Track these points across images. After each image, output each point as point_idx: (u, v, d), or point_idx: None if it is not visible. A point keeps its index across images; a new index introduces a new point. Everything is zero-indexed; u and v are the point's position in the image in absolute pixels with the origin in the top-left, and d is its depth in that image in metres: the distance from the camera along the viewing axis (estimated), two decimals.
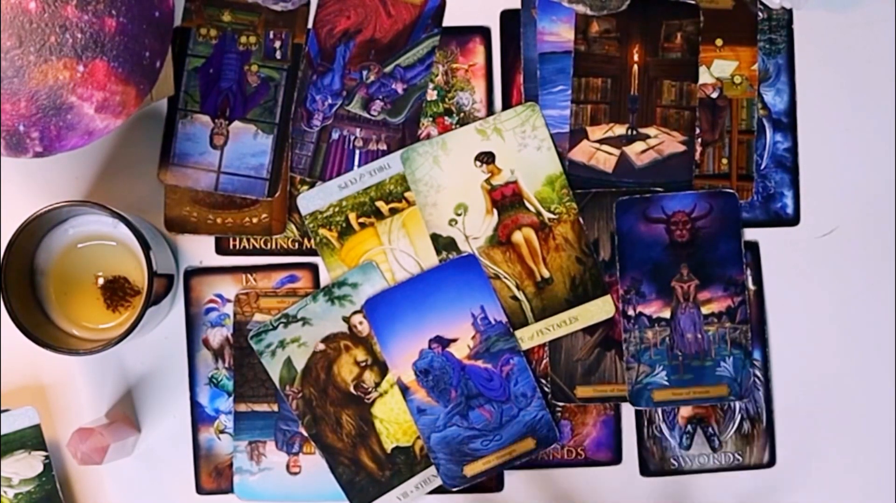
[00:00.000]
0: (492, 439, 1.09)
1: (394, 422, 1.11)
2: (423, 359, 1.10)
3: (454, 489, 1.11)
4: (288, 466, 1.12)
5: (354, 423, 1.11)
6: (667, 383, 1.11)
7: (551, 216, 1.12)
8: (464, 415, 1.10)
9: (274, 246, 1.13)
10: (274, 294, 1.12)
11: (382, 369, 1.11)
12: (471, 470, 1.10)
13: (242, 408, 1.12)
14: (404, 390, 1.11)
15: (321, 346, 1.11)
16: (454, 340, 1.10)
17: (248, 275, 1.13)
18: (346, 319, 1.11)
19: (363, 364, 1.11)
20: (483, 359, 1.11)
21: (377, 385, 1.11)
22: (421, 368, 1.10)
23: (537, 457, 1.12)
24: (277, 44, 1.13)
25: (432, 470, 1.11)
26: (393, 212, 1.12)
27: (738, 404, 1.12)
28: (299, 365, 1.11)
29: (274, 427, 1.12)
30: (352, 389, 1.11)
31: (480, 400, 1.10)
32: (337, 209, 1.12)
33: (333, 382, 1.11)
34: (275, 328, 1.11)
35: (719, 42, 1.13)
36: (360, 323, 1.11)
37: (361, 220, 1.12)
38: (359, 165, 1.13)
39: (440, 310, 1.10)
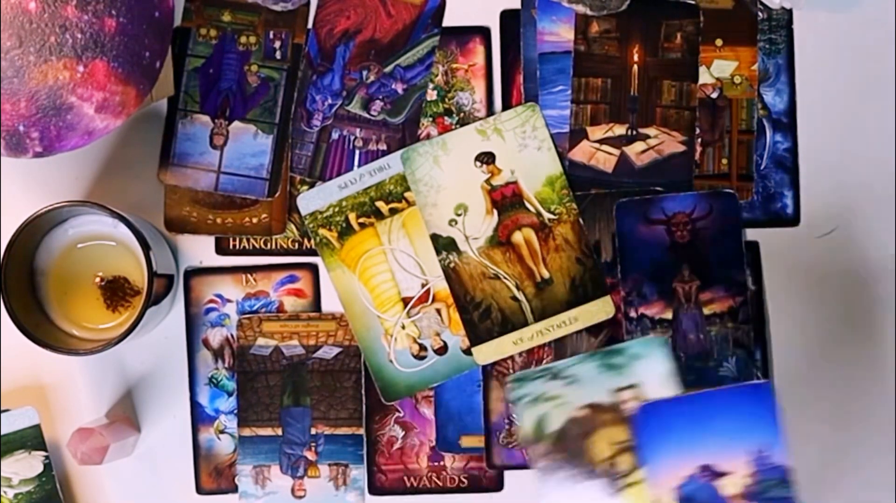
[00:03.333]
0: None
1: None
2: (689, 486, 0.98)
3: None
4: (293, 490, 1.12)
5: None
6: None
7: (551, 216, 1.12)
8: None
9: (274, 246, 1.13)
10: (276, 318, 1.12)
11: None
12: None
13: (247, 432, 1.12)
14: None
15: (581, 412, 1.00)
16: (726, 474, 0.98)
17: (248, 276, 1.13)
18: (615, 392, 1.00)
19: (622, 446, 0.99)
20: (754, 501, 0.98)
21: (628, 473, 0.99)
22: (686, 495, 0.98)
23: None
24: (277, 44, 1.13)
25: None
26: (393, 212, 1.12)
27: None
28: (553, 425, 1.00)
29: (278, 451, 1.12)
30: (601, 469, 0.99)
31: None
32: (337, 209, 1.12)
33: (584, 455, 1.00)
34: (537, 378, 1.00)
35: (719, 42, 1.13)
36: (629, 400, 1.00)
37: (361, 220, 1.12)
38: (359, 165, 1.13)
39: (719, 436, 0.98)
